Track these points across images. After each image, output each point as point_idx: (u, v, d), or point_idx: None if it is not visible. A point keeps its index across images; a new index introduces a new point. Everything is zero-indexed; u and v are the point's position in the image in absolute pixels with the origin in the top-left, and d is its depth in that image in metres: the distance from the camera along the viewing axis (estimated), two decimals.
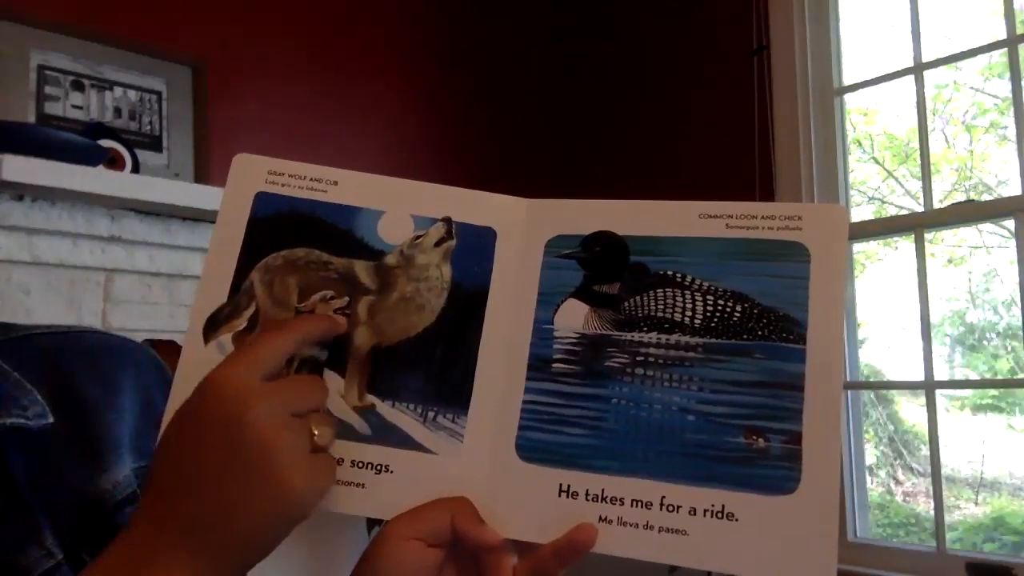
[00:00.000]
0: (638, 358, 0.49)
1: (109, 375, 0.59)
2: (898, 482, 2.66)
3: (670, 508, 0.46)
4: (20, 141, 1.64)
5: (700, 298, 0.49)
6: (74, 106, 1.95)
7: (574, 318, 0.50)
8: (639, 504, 0.46)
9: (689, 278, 0.50)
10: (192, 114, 2.11)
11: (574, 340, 0.50)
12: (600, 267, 0.51)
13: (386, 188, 0.53)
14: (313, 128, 2.34)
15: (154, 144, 2.05)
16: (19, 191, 1.68)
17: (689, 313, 0.49)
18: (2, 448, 0.51)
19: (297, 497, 0.43)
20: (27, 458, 0.52)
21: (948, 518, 2.18)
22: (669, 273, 0.50)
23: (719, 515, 0.46)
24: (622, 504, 0.47)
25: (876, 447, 2.62)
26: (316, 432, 0.45)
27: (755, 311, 0.48)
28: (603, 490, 0.47)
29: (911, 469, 2.66)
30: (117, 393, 0.58)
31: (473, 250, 0.52)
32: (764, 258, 0.49)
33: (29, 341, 0.59)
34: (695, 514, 0.46)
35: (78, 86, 1.96)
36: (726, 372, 0.48)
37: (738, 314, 0.49)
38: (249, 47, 2.25)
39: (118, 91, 2.02)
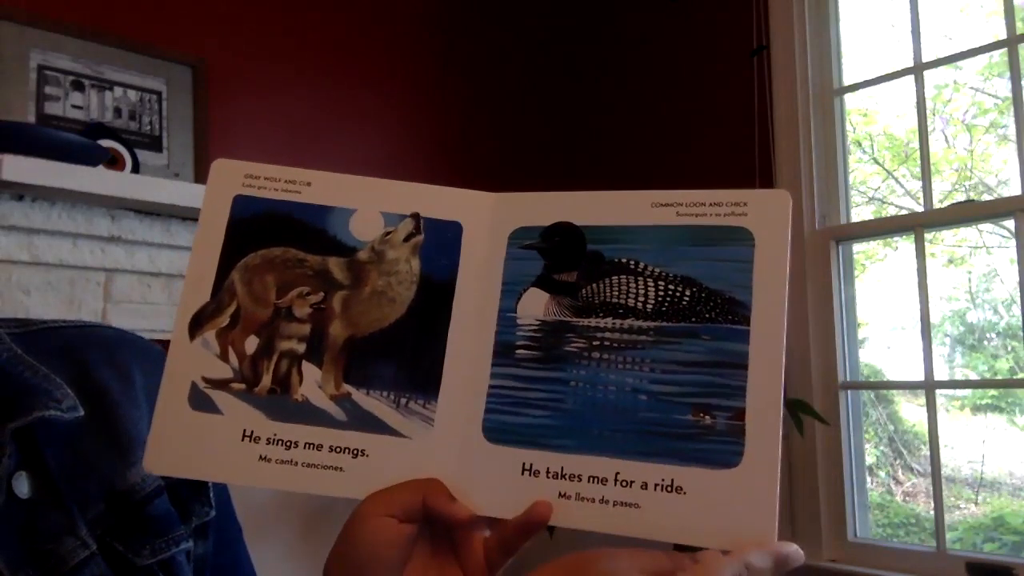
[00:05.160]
0: (595, 342, 0.51)
1: (125, 368, 0.61)
2: (898, 482, 2.66)
3: (624, 483, 0.48)
4: (20, 141, 1.64)
5: (652, 284, 0.52)
6: (74, 106, 1.95)
7: (535, 306, 0.53)
8: (595, 480, 0.49)
9: (642, 265, 0.52)
10: (192, 114, 2.11)
11: (536, 327, 0.53)
12: (559, 257, 0.54)
13: (357, 187, 0.56)
14: (313, 128, 2.35)
15: (154, 144, 2.05)
16: (19, 191, 1.69)
17: (642, 298, 0.51)
18: (36, 440, 0.53)
19: None
20: (59, 450, 0.54)
21: (948, 518, 2.18)
22: (623, 260, 0.53)
23: (668, 489, 0.48)
24: (580, 480, 0.49)
25: (876, 447, 2.62)
26: None
27: (703, 295, 0.51)
28: (562, 467, 0.50)
29: (911, 469, 2.66)
30: (133, 386, 0.60)
31: (440, 244, 0.55)
32: (711, 243, 0.51)
33: (48, 334, 0.60)
34: (647, 488, 0.48)
35: (78, 86, 1.96)
36: (676, 353, 0.50)
37: (687, 298, 0.51)
38: (249, 47, 2.25)
39: (118, 91, 2.02)
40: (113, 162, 1.89)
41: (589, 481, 0.49)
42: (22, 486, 0.51)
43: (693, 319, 0.50)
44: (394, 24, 2.57)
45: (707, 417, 0.48)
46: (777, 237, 0.50)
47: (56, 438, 0.54)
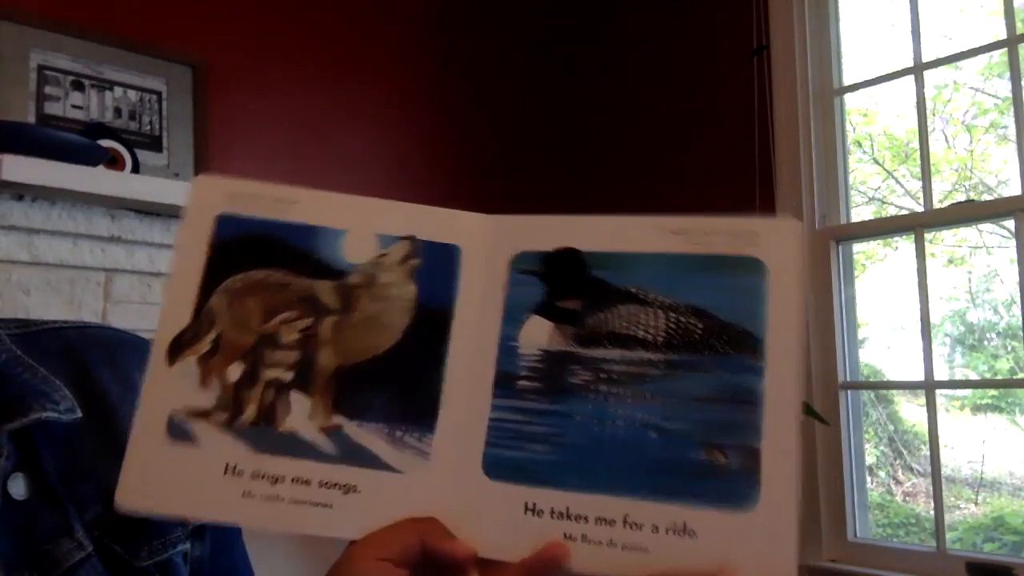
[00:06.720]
0: (601, 375, 0.49)
1: (124, 369, 0.60)
2: (898, 482, 2.66)
3: (632, 525, 0.46)
4: (20, 141, 1.64)
5: (662, 314, 0.49)
6: (74, 106, 1.95)
7: (538, 335, 0.50)
8: (603, 521, 0.46)
9: (651, 294, 0.49)
10: (192, 114, 2.11)
11: (538, 357, 0.50)
12: (561, 283, 0.51)
13: (349, 207, 0.53)
14: (313, 128, 2.34)
15: (154, 144, 2.05)
16: (19, 191, 1.69)
17: (652, 330, 0.49)
18: (33, 442, 0.53)
19: None
20: (56, 451, 0.54)
21: (948, 518, 2.18)
22: (631, 289, 0.50)
23: (680, 532, 0.45)
24: (586, 521, 0.46)
25: (876, 447, 2.62)
26: None
27: (715, 327, 0.48)
28: (568, 507, 0.47)
29: (911, 469, 2.66)
30: (132, 388, 0.59)
31: (437, 268, 0.51)
32: (723, 273, 0.49)
33: (48, 335, 0.60)
34: (657, 531, 0.45)
35: (78, 86, 1.96)
36: (688, 388, 0.47)
37: (699, 330, 0.48)
38: (249, 47, 2.25)
39: (118, 91, 2.02)
40: (113, 162, 1.89)
41: (596, 522, 0.46)
42: (19, 487, 0.51)
43: (706, 352, 0.47)
44: (394, 24, 2.57)
45: (721, 456, 0.46)
46: (790, 267, 0.48)
47: (54, 440, 0.54)
